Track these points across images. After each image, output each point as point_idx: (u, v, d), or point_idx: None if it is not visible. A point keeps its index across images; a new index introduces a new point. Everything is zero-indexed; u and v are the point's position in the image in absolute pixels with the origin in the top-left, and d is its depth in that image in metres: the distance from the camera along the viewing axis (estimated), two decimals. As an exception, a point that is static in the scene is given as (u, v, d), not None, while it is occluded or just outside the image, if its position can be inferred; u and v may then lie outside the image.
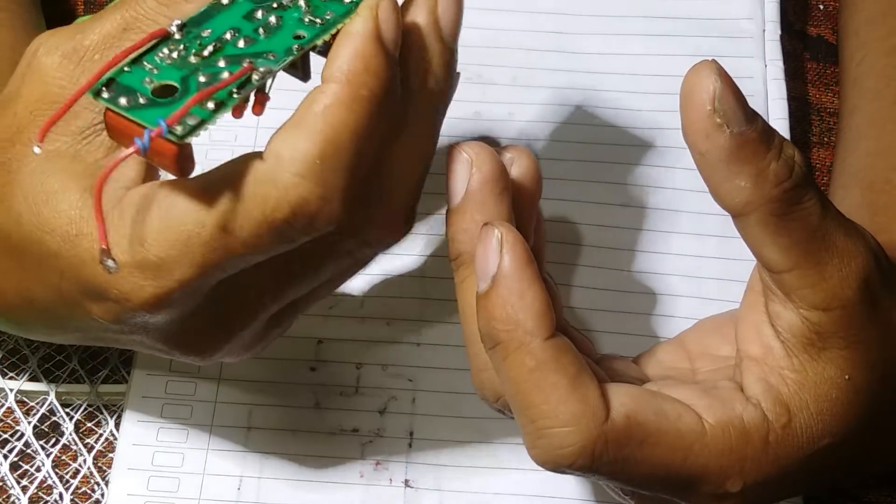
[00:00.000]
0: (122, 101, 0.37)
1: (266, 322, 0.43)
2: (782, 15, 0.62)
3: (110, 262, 0.36)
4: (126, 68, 0.37)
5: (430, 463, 0.52)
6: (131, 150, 0.35)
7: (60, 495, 0.52)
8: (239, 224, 0.37)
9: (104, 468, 0.53)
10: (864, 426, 0.41)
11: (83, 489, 0.52)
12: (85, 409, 0.54)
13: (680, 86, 0.60)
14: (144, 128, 0.36)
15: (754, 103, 0.59)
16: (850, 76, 0.60)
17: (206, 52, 0.38)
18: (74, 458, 0.53)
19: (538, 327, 0.38)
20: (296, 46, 0.39)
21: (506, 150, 0.42)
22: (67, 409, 0.54)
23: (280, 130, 0.37)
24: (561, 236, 0.56)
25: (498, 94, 0.60)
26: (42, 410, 0.54)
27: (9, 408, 0.54)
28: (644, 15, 0.63)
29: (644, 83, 0.61)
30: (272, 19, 0.39)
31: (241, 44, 0.39)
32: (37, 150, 0.37)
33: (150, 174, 0.41)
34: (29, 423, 0.54)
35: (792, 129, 0.59)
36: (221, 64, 0.38)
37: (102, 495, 0.52)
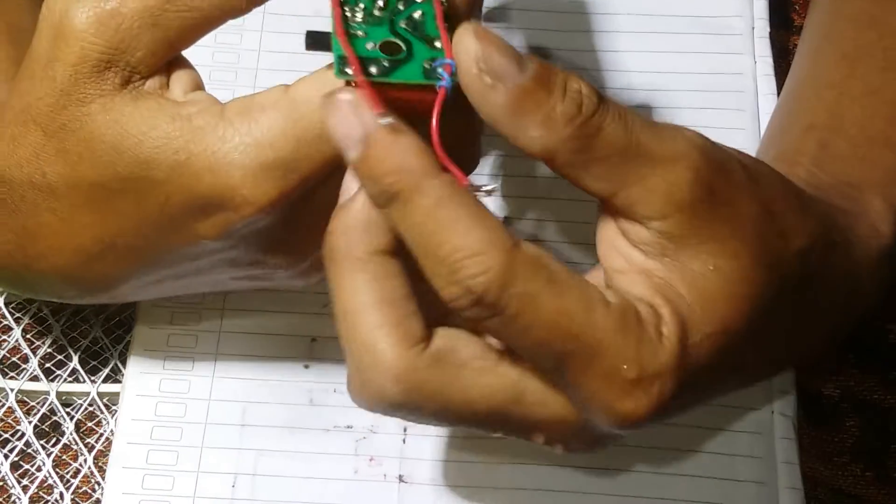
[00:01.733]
0: (374, 69, 0.37)
1: None
2: (783, 11, 0.62)
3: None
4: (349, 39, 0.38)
5: (424, 458, 0.51)
6: (440, 94, 0.37)
7: (61, 495, 0.52)
8: None
9: (105, 468, 0.52)
10: (755, 311, 0.40)
11: (84, 489, 0.52)
12: (85, 408, 0.54)
13: (666, 82, 0.60)
14: (428, 86, 0.37)
15: (744, 99, 0.59)
16: (803, 27, 0.60)
17: (381, 3, 0.39)
18: (75, 458, 0.53)
19: (427, 166, 0.36)
20: None
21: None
22: (68, 409, 0.54)
23: None
24: (556, 231, 0.56)
25: None
26: (43, 410, 0.53)
27: (9, 407, 0.53)
28: (634, 12, 0.62)
29: (634, 79, 0.60)
30: None
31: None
32: (384, 121, 0.37)
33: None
34: (29, 422, 0.53)
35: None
36: (402, 7, 0.39)
37: (103, 494, 0.51)
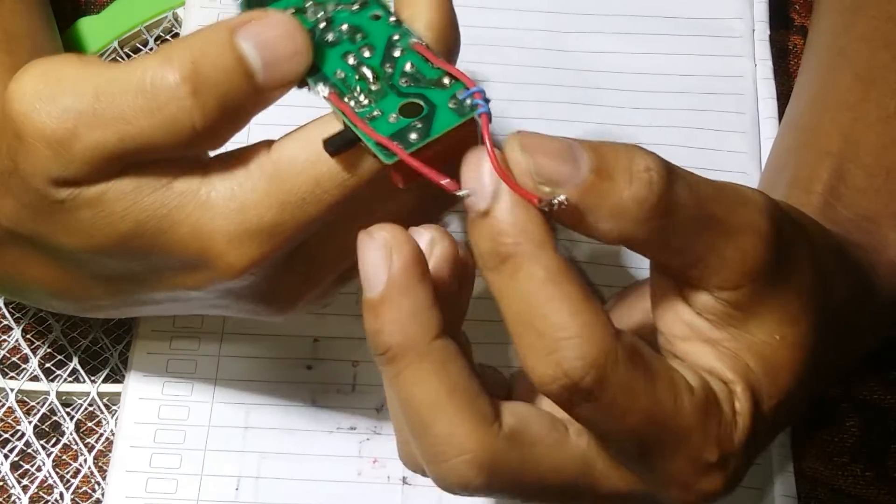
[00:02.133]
0: (413, 136, 0.36)
1: (335, 277, 0.43)
2: (784, 11, 0.62)
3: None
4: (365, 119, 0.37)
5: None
6: (484, 121, 0.36)
7: (61, 495, 0.51)
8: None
9: (105, 468, 0.52)
10: (808, 373, 0.40)
11: (84, 489, 0.52)
12: (85, 408, 0.53)
13: (666, 84, 0.60)
14: (466, 122, 0.36)
15: (744, 102, 0.59)
16: (808, 39, 0.59)
17: (370, 76, 0.38)
18: (75, 458, 0.52)
19: (547, 237, 0.35)
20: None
21: (424, 230, 0.39)
22: (68, 409, 0.53)
23: None
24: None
25: (490, 90, 0.58)
26: (43, 410, 0.53)
27: (9, 407, 0.53)
28: (635, 14, 0.62)
29: (635, 81, 0.60)
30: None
31: (366, 53, 0.39)
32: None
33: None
34: (29, 422, 0.53)
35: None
36: (390, 69, 0.38)
37: (103, 495, 0.51)
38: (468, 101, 0.37)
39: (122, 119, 0.36)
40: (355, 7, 0.40)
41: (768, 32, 0.61)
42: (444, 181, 0.35)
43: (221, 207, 0.38)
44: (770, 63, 0.60)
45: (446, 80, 0.37)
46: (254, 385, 0.52)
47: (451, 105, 0.37)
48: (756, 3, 0.61)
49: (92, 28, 0.61)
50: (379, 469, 0.50)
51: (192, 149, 0.37)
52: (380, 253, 0.36)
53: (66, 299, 0.44)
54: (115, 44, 0.61)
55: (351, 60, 0.38)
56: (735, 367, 0.38)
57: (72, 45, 0.60)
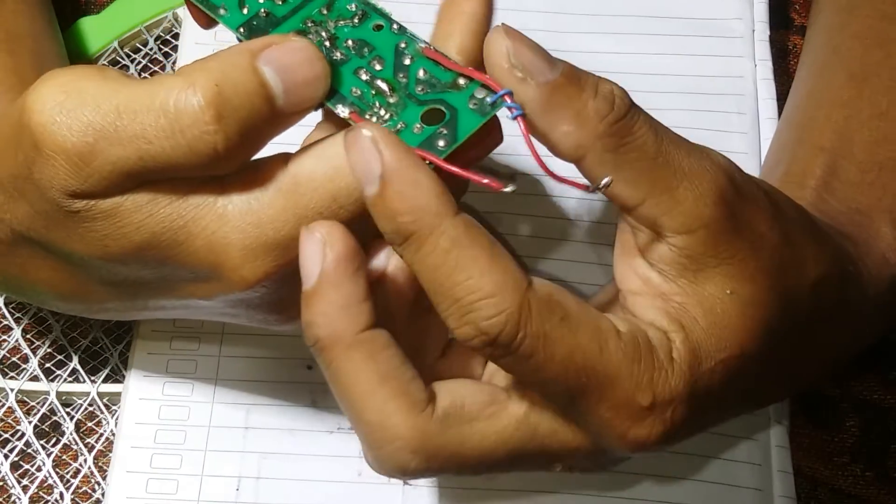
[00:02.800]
0: (441, 143, 0.37)
1: None
2: (784, 11, 0.62)
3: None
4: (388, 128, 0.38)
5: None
6: (522, 124, 0.37)
7: (61, 495, 0.51)
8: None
9: (104, 468, 0.51)
10: (767, 337, 0.40)
11: (84, 489, 0.51)
12: (85, 408, 0.53)
13: (666, 84, 0.60)
14: (488, 123, 0.37)
15: (744, 103, 0.59)
16: (805, 38, 0.59)
17: (386, 88, 0.39)
18: (75, 458, 0.52)
19: (444, 207, 0.36)
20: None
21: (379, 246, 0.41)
22: (68, 409, 0.53)
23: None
24: (554, 229, 0.55)
25: None
26: (43, 410, 0.53)
27: (9, 407, 0.53)
28: (635, 14, 0.61)
29: (634, 82, 0.58)
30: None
31: (377, 66, 0.39)
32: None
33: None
34: (29, 422, 0.52)
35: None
36: (404, 78, 0.38)
37: (103, 495, 0.50)
38: (487, 100, 0.37)
39: (143, 138, 0.36)
40: (356, 20, 0.40)
41: (768, 33, 0.60)
42: (486, 180, 0.36)
43: (238, 221, 0.38)
44: (770, 63, 0.59)
45: (461, 81, 0.38)
46: (254, 385, 0.52)
47: (471, 106, 0.37)
48: (756, 4, 0.61)
49: (92, 28, 0.61)
50: (379, 469, 0.50)
51: (210, 171, 0.37)
52: (315, 247, 0.37)
53: (74, 301, 0.43)
54: (115, 44, 0.60)
55: (364, 76, 0.39)
56: (678, 318, 0.39)
57: (72, 45, 0.60)
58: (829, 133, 0.52)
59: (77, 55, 0.60)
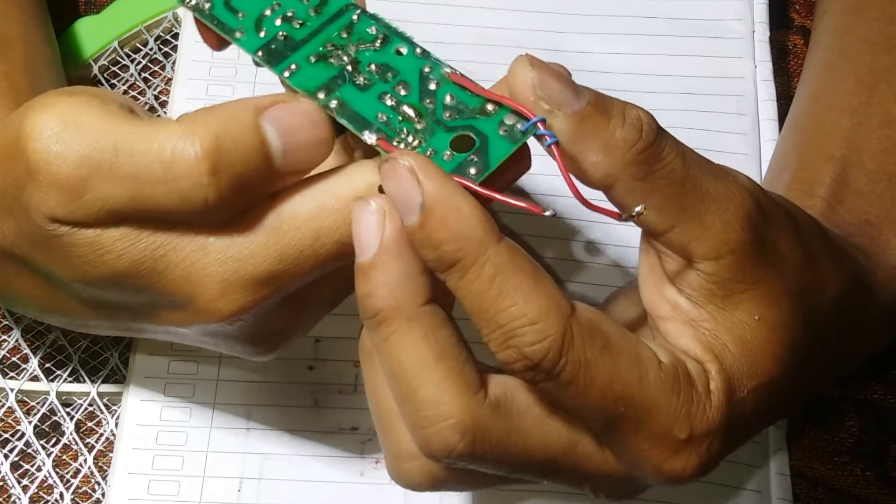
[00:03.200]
0: (472, 170, 0.37)
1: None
2: (784, 11, 0.61)
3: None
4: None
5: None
6: (557, 152, 0.36)
7: (61, 495, 0.51)
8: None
9: (105, 468, 0.51)
10: (794, 360, 0.40)
11: (84, 489, 0.51)
12: (85, 408, 0.53)
13: (666, 85, 0.59)
14: (519, 150, 0.37)
15: (745, 104, 0.59)
16: (811, 39, 0.59)
17: (413, 115, 0.38)
18: (75, 458, 0.51)
19: (487, 233, 0.35)
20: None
21: None
22: (68, 409, 0.53)
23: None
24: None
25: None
26: (43, 410, 0.52)
27: (9, 407, 0.52)
28: (635, 15, 0.61)
29: (635, 82, 0.59)
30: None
31: (402, 91, 0.38)
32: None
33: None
34: (30, 422, 0.52)
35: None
36: (431, 105, 0.38)
37: (103, 495, 0.50)
38: (518, 126, 0.37)
39: (136, 179, 0.36)
40: (377, 44, 0.39)
41: (768, 34, 0.60)
42: (524, 204, 0.35)
43: (218, 253, 0.38)
44: (770, 65, 0.59)
45: (490, 107, 0.37)
46: (255, 386, 0.51)
47: (501, 132, 0.37)
48: (756, 5, 0.61)
49: (92, 28, 0.60)
50: (381, 470, 0.49)
51: (199, 219, 0.37)
52: (374, 218, 0.36)
53: (56, 315, 0.43)
54: (115, 44, 0.60)
55: (389, 101, 0.38)
56: (711, 347, 0.38)
57: (71, 45, 0.59)
58: (838, 140, 0.52)
59: (77, 56, 0.59)
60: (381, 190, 0.36)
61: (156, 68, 0.61)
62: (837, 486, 0.52)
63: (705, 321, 0.39)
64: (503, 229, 0.36)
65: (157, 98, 0.59)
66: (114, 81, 0.60)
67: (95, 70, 0.60)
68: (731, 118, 0.58)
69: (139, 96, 0.60)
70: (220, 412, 0.51)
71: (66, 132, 0.37)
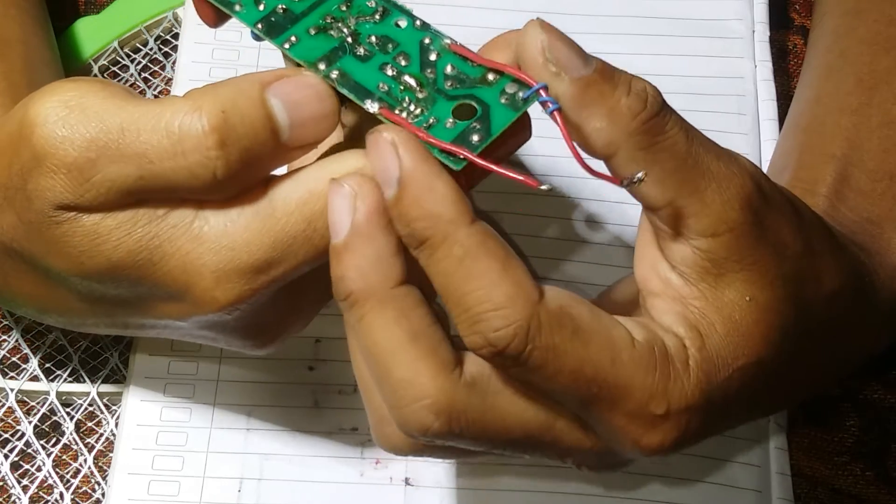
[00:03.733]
0: (475, 138, 0.36)
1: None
2: (784, 11, 0.61)
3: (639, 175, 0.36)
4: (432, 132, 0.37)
5: (429, 461, 0.49)
6: (559, 118, 0.36)
7: (61, 495, 0.50)
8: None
9: (105, 468, 0.51)
10: (783, 345, 0.39)
11: (84, 489, 0.50)
12: (85, 408, 0.52)
13: (666, 85, 0.59)
14: (520, 118, 0.37)
15: (745, 104, 0.58)
16: (810, 40, 0.59)
17: (414, 84, 0.38)
18: (75, 458, 0.51)
19: (459, 215, 0.35)
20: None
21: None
22: (68, 409, 0.52)
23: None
24: (550, 229, 0.55)
25: None
26: (43, 410, 0.52)
27: (9, 407, 0.52)
28: (635, 15, 0.61)
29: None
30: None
31: (403, 62, 0.38)
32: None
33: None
34: (29, 422, 0.52)
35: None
36: (432, 74, 0.38)
37: (103, 495, 0.50)
38: (520, 94, 0.37)
39: (145, 157, 0.36)
40: (377, 17, 0.39)
41: (768, 34, 0.60)
42: (521, 177, 0.35)
43: (212, 243, 0.37)
44: (770, 65, 0.59)
45: (491, 77, 0.37)
46: (255, 386, 0.51)
47: (503, 101, 0.37)
48: (756, 5, 0.61)
49: (92, 28, 0.60)
50: (381, 470, 0.49)
51: (207, 194, 0.37)
52: (345, 201, 0.36)
53: (54, 315, 0.43)
54: (115, 44, 0.60)
55: (390, 71, 0.38)
56: (696, 325, 0.38)
57: (71, 45, 0.59)
58: (838, 140, 0.52)
59: (77, 56, 0.59)
60: None
61: (156, 68, 0.60)
62: (837, 486, 0.51)
63: (695, 298, 0.38)
64: (481, 215, 0.36)
65: (157, 98, 0.59)
66: (114, 81, 0.59)
67: (95, 70, 0.59)
68: (732, 118, 0.58)
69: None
70: (220, 412, 0.50)
71: (72, 116, 0.37)
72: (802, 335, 0.40)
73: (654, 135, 0.37)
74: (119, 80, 0.60)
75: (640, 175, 0.36)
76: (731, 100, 0.58)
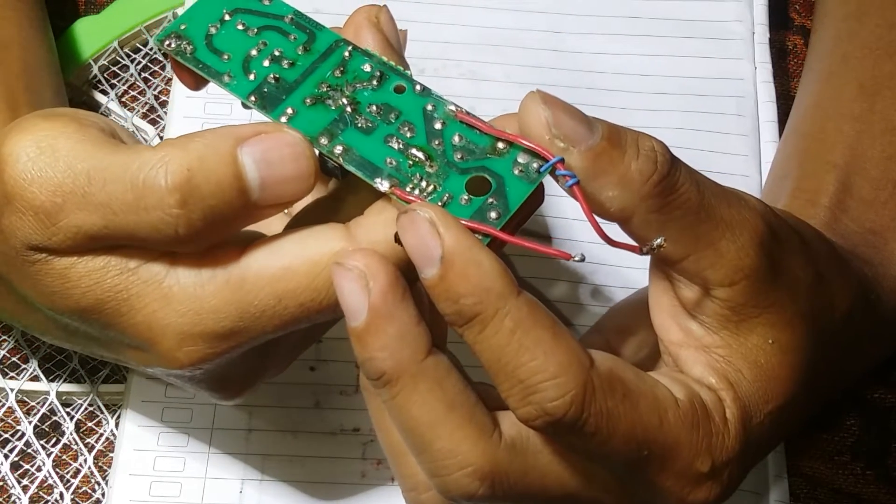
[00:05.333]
0: (493, 214, 0.35)
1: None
2: (784, 11, 0.61)
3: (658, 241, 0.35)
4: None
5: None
6: (578, 193, 0.35)
7: (61, 495, 0.50)
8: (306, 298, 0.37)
9: (104, 468, 0.50)
10: (806, 380, 0.39)
11: (84, 489, 0.50)
12: (85, 408, 0.52)
13: (666, 86, 0.58)
14: (535, 190, 0.36)
15: (745, 105, 0.58)
16: (811, 43, 0.58)
17: (423, 156, 0.36)
18: (75, 458, 0.50)
19: (507, 287, 0.34)
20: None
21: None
22: (68, 409, 0.51)
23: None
24: (554, 230, 0.54)
25: (492, 90, 0.58)
26: (43, 410, 0.51)
27: (9, 407, 0.51)
28: (635, 15, 0.60)
29: (635, 83, 0.58)
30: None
31: (408, 133, 0.37)
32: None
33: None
34: (30, 422, 0.51)
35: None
36: (439, 146, 0.37)
37: (103, 495, 0.49)
38: (533, 165, 0.35)
39: (108, 208, 0.35)
40: (374, 83, 0.38)
41: (768, 35, 0.59)
42: (553, 251, 0.34)
43: (179, 305, 0.37)
44: (770, 66, 0.58)
45: (500, 146, 0.36)
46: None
47: (516, 172, 0.36)
48: (756, 6, 0.60)
49: (92, 28, 0.59)
50: (383, 471, 0.49)
51: (175, 248, 0.36)
52: (356, 283, 0.35)
53: (36, 332, 0.43)
54: (115, 44, 0.59)
55: (395, 144, 0.36)
56: (725, 374, 0.38)
57: (71, 45, 0.58)
58: (840, 148, 0.51)
59: (77, 56, 0.58)
60: (396, 239, 0.35)
61: (156, 68, 0.60)
62: (837, 486, 0.51)
63: (719, 347, 0.38)
64: (524, 285, 0.35)
65: (157, 98, 0.58)
66: (114, 81, 0.59)
67: (95, 70, 0.59)
68: (731, 119, 0.57)
69: (139, 96, 0.58)
70: (221, 413, 0.50)
71: (42, 158, 0.36)
72: (821, 361, 0.40)
73: (667, 195, 0.36)
74: (119, 80, 0.59)
75: (658, 242, 0.35)
76: (731, 101, 0.58)
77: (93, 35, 0.59)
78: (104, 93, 0.58)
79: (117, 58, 0.59)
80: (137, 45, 0.60)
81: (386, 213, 0.36)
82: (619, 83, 0.58)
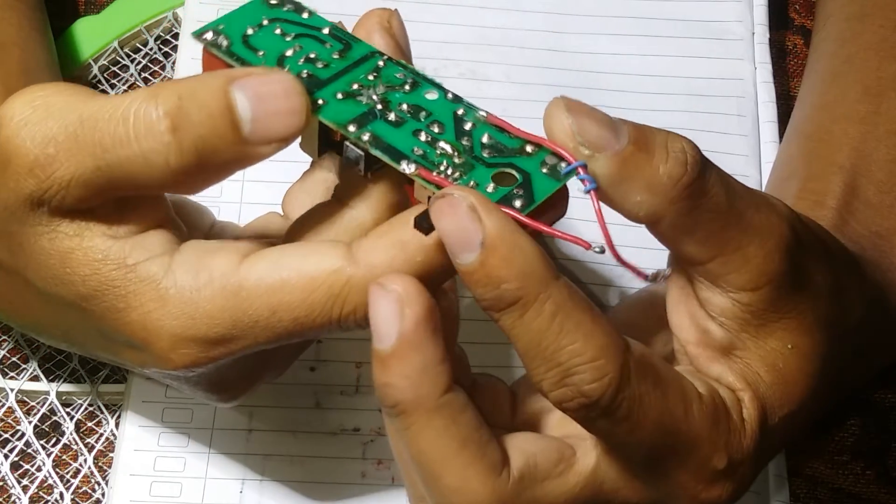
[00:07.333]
0: (518, 203, 0.35)
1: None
2: (784, 11, 0.61)
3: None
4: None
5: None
6: (594, 198, 0.34)
7: (61, 495, 0.49)
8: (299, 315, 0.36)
9: (105, 468, 0.50)
10: (821, 386, 0.39)
11: (84, 489, 0.49)
12: (85, 408, 0.51)
13: (666, 86, 0.58)
14: (560, 189, 0.35)
15: (745, 105, 0.57)
16: (813, 44, 0.58)
17: (449, 148, 0.36)
18: (75, 458, 0.50)
19: (548, 271, 0.34)
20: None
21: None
22: (68, 409, 0.51)
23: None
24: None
25: (492, 90, 0.57)
26: (43, 410, 0.51)
27: (9, 407, 0.51)
28: (635, 16, 0.60)
29: (635, 83, 0.58)
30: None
31: (436, 129, 0.36)
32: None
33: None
34: (30, 422, 0.50)
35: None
36: (468, 143, 0.36)
37: (103, 495, 0.49)
38: (561, 165, 0.35)
39: (100, 146, 0.35)
40: (407, 88, 0.37)
41: (768, 36, 0.59)
42: (571, 237, 0.34)
43: (174, 308, 0.36)
44: (770, 66, 0.58)
45: (529, 148, 0.36)
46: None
47: (543, 171, 0.35)
48: (756, 6, 0.60)
49: (92, 28, 0.59)
50: (383, 471, 0.48)
51: (166, 188, 0.36)
52: (392, 307, 0.34)
53: (35, 332, 0.42)
54: (115, 44, 0.59)
55: (424, 137, 0.36)
56: (744, 376, 0.38)
57: (71, 45, 0.58)
58: (846, 150, 0.51)
59: (77, 56, 0.58)
60: (416, 224, 0.35)
61: (156, 68, 0.59)
62: (837, 486, 0.51)
63: (738, 349, 0.38)
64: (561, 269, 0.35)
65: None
66: (114, 81, 0.59)
67: (95, 70, 0.58)
68: (732, 119, 0.57)
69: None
70: (221, 414, 0.49)
71: (35, 115, 0.35)
72: (835, 367, 0.40)
73: (697, 198, 0.35)
74: (119, 80, 0.59)
75: (666, 273, 0.35)
76: (731, 101, 0.57)
77: (93, 35, 0.59)
78: (104, 93, 0.58)
79: (117, 58, 0.59)
80: (137, 45, 0.60)
81: (389, 235, 0.35)
82: (619, 83, 0.58)
